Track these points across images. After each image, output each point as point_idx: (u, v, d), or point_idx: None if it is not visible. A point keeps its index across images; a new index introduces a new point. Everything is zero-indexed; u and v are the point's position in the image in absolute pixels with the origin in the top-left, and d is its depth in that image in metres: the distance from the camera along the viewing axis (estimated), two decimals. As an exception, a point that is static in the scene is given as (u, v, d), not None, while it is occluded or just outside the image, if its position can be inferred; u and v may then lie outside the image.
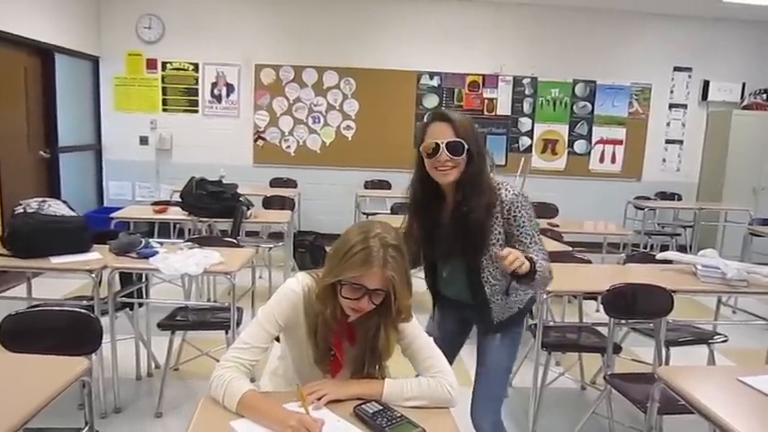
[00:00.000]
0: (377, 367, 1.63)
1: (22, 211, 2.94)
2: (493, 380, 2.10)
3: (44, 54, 6.05)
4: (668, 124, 7.55)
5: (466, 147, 1.81)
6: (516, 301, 2.04)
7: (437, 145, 1.81)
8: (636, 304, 2.74)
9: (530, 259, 1.73)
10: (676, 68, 7.43)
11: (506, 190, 1.89)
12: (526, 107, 7.34)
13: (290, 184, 6.89)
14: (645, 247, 6.69)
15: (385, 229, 1.49)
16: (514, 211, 1.87)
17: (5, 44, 5.31)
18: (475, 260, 1.94)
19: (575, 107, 7.38)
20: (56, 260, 2.91)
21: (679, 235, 6.93)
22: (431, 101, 7.23)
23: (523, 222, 1.88)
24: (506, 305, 2.02)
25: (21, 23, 5.47)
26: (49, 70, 6.13)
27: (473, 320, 2.18)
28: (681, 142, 7.59)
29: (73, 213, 3.10)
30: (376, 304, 1.49)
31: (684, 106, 7.52)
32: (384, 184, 6.99)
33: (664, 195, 7.37)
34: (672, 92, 7.48)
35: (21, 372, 1.68)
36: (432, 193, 1.94)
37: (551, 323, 3.66)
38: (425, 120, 1.93)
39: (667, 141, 7.58)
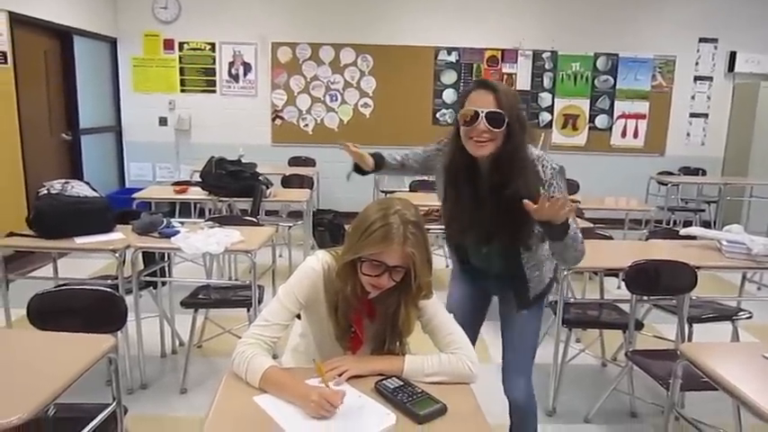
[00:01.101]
0: (397, 344, 1.64)
1: (46, 192, 2.98)
2: (524, 351, 2.10)
3: (63, 37, 6.09)
4: (693, 97, 7.37)
5: (506, 119, 1.70)
6: (547, 272, 2.02)
7: (476, 113, 1.70)
8: (659, 281, 2.71)
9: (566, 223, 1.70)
10: (702, 40, 7.22)
11: (544, 166, 1.80)
12: (546, 82, 7.21)
13: (309, 162, 6.90)
14: (668, 224, 6.60)
15: (405, 205, 1.48)
16: (552, 189, 1.78)
17: (25, 28, 5.35)
18: (515, 246, 1.88)
19: (596, 81, 7.23)
20: (80, 240, 2.95)
21: (703, 211, 6.82)
22: (449, 77, 7.15)
23: (558, 194, 1.79)
24: (540, 278, 1.98)
25: (39, 6, 5.51)
26: (69, 53, 6.18)
27: (498, 292, 2.14)
28: (706, 116, 7.41)
29: (96, 194, 3.14)
30: (396, 281, 1.49)
31: (710, 79, 7.33)
32: (402, 162, 6.95)
33: (688, 170, 7.23)
34: (697, 64, 7.29)
35: (49, 349, 1.72)
36: (465, 163, 1.81)
37: (572, 300, 3.64)
38: (468, 87, 1.82)
39: (692, 115, 7.40)
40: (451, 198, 1.90)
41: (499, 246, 1.92)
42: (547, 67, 7.18)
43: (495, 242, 1.91)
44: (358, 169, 2.31)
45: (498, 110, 1.69)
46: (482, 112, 1.69)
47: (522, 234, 1.84)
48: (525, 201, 1.60)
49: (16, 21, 5.14)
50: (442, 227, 2.05)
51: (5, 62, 5.02)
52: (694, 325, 2.98)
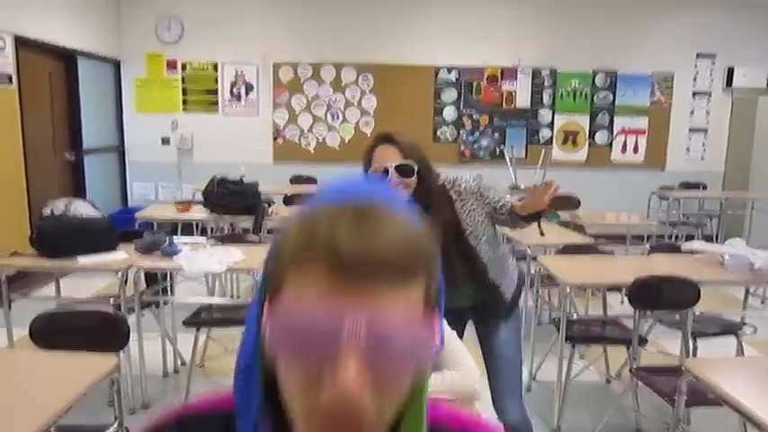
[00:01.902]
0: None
1: (49, 212, 3.00)
2: (510, 372, 2.10)
3: (67, 58, 6.16)
4: (692, 112, 7.41)
5: (415, 168, 1.85)
6: (509, 267, 2.09)
7: (385, 168, 1.83)
8: (661, 296, 2.70)
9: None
10: (699, 55, 7.28)
11: (466, 181, 1.96)
12: (546, 99, 7.26)
13: (311, 181, 6.92)
14: (670, 238, 6.59)
15: None
16: (483, 191, 1.95)
17: (31, 50, 5.42)
18: (466, 261, 1.95)
19: (595, 97, 7.28)
20: (83, 260, 2.96)
21: (705, 225, 6.82)
22: (449, 95, 7.20)
23: (493, 194, 1.98)
24: (509, 277, 2.06)
25: (45, 30, 5.58)
26: (73, 74, 6.24)
27: (473, 317, 2.16)
28: (705, 131, 7.45)
29: (98, 214, 3.16)
30: None
31: (708, 94, 7.38)
32: (403, 180, 6.98)
33: (688, 185, 7.24)
34: (695, 79, 7.34)
35: (51, 370, 1.72)
36: None
37: (575, 316, 3.63)
38: (371, 143, 1.93)
39: (691, 130, 7.44)
40: None
41: (457, 265, 1.95)
42: (546, 84, 7.24)
43: (460, 270, 1.95)
44: None
45: (405, 161, 1.84)
46: (391, 166, 1.83)
47: (460, 235, 1.94)
48: (518, 204, 1.78)
49: (22, 43, 5.21)
50: None
51: (10, 83, 5.07)
52: (699, 340, 2.97)
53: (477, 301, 2.03)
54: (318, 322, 0.50)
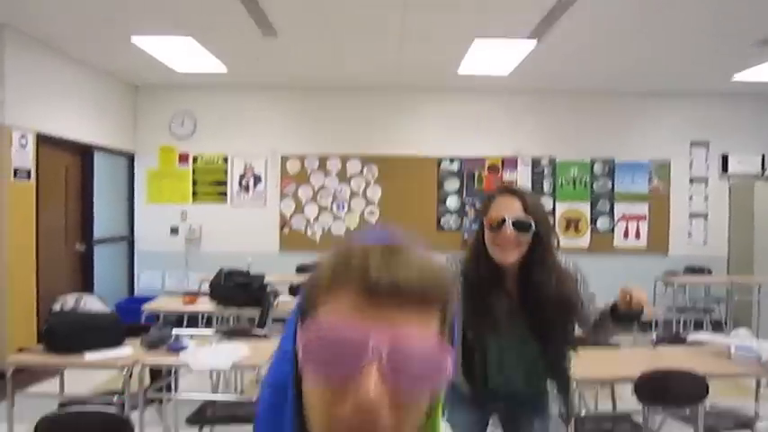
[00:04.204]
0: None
1: (59, 308, 3.05)
2: None
3: (84, 152, 6.42)
4: (690, 198, 7.54)
5: (532, 225, 1.70)
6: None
7: (503, 218, 1.69)
8: (669, 390, 2.67)
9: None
10: (693, 143, 7.51)
11: (567, 264, 1.83)
12: (546, 187, 7.44)
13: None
14: (677, 323, 6.53)
15: None
16: (581, 282, 1.84)
17: (50, 146, 5.67)
18: (557, 346, 1.81)
19: (594, 185, 7.46)
20: (90, 356, 2.97)
21: (713, 311, 6.76)
22: (452, 184, 7.40)
23: (587, 287, 1.88)
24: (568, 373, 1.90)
25: (65, 126, 5.87)
26: (88, 167, 6.49)
27: (509, 411, 2.02)
28: (705, 215, 7.55)
29: (106, 309, 3.21)
30: None
31: (705, 180, 7.54)
32: (408, 267, 7.02)
33: (693, 270, 7.25)
34: (691, 166, 7.53)
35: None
36: (489, 274, 1.76)
37: (584, 411, 3.55)
38: (492, 192, 1.82)
39: (691, 215, 7.54)
40: (476, 311, 1.75)
41: (529, 349, 1.82)
42: (546, 172, 7.44)
43: (522, 341, 1.81)
44: None
45: (525, 216, 1.69)
46: (509, 218, 1.69)
47: (566, 335, 1.81)
48: (623, 292, 1.66)
49: (42, 139, 5.46)
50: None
51: (29, 179, 5.27)
52: (712, 436, 2.90)
53: (516, 394, 1.90)
54: (347, 338, 0.59)
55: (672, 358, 3.00)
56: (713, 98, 7.42)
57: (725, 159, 7.47)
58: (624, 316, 1.74)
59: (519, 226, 1.69)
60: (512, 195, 1.73)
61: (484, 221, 1.76)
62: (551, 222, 1.87)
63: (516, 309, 1.76)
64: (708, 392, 2.66)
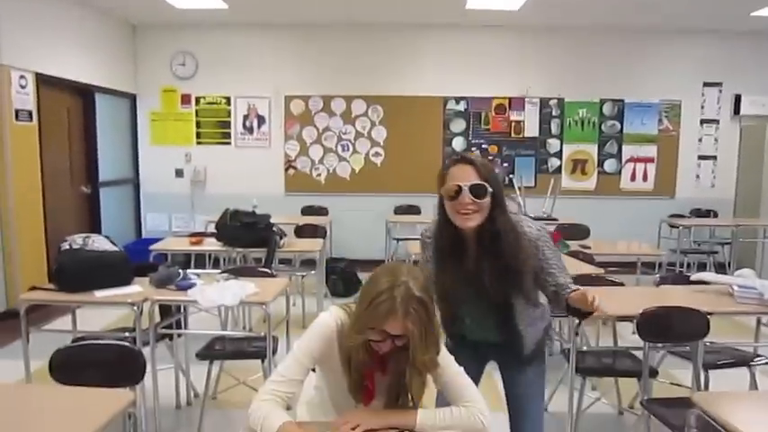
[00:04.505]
0: (410, 396, 1.67)
1: (68, 247, 3.08)
2: (534, 415, 2.07)
3: (85, 94, 6.35)
4: (700, 140, 7.44)
5: (490, 189, 1.78)
6: (539, 329, 2.03)
7: (459, 187, 1.77)
8: (671, 327, 2.71)
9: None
10: (706, 84, 7.34)
11: (529, 226, 1.88)
12: (554, 128, 7.34)
13: (322, 211, 7.00)
14: (681, 266, 6.56)
15: (413, 276, 1.52)
16: (542, 246, 1.87)
17: (50, 87, 5.60)
18: (508, 302, 1.91)
19: (603, 126, 7.34)
20: (100, 294, 3.02)
21: (716, 253, 6.78)
22: (458, 125, 7.30)
23: (550, 255, 1.88)
24: (533, 336, 2.00)
25: (64, 66, 5.78)
26: (90, 109, 6.43)
27: (497, 358, 2.13)
28: (714, 158, 7.46)
29: (115, 248, 3.23)
30: (399, 345, 1.53)
31: (716, 121, 7.41)
32: (414, 210, 7.04)
33: (699, 212, 7.23)
34: (702, 107, 7.39)
35: (69, 405, 1.76)
36: (454, 239, 1.87)
37: (585, 348, 3.62)
38: (446, 163, 1.88)
39: (700, 157, 7.46)
40: (444, 272, 1.90)
41: (490, 306, 1.92)
42: (554, 113, 7.32)
43: (493, 306, 1.92)
44: None
45: (480, 181, 1.78)
46: (465, 185, 1.77)
47: (515, 288, 1.88)
48: (574, 295, 1.72)
49: (42, 80, 5.39)
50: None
51: (31, 120, 5.23)
52: (711, 371, 2.95)
53: (501, 340, 2.00)
54: None
55: (675, 297, 3.02)
56: (728, 36, 7.19)
57: (737, 100, 7.32)
58: (573, 309, 1.80)
59: (475, 191, 1.77)
60: (465, 164, 1.81)
61: (442, 192, 1.83)
62: (501, 184, 1.89)
63: (479, 267, 1.85)
64: (709, 330, 2.69)
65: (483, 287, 1.85)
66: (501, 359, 2.10)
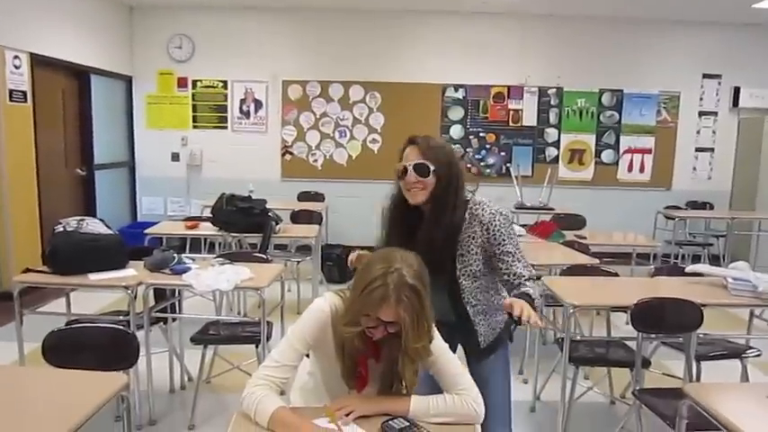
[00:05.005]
0: (403, 383, 1.67)
1: (62, 229, 3.06)
2: (498, 406, 2.05)
3: (80, 76, 6.29)
4: (698, 132, 7.43)
5: (432, 168, 1.87)
6: (498, 322, 2.04)
7: (404, 167, 1.90)
8: (664, 318, 2.72)
9: (528, 296, 1.78)
10: (705, 75, 7.32)
11: (484, 210, 1.91)
12: (552, 117, 7.32)
13: (318, 197, 6.98)
14: (676, 258, 6.59)
15: (407, 263, 1.51)
16: (493, 230, 1.89)
17: (45, 67, 5.54)
18: (450, 278, 1.94)
19: (601, 116, 7.33)
20: (94, 277, 3.01)
21: (711, 245, 6.80)
22: (456, 113, 7.27)
23: (503, 240, 1.90)
24: (489, 326, 2.02)
25: (59, 47, 5.71)
26: (85, 91, 6.37)
27: (461, 341, 2.12)
28: (712, 150, 7.47)
29: (109, 231, 3.21)
30: (392, 332, 1.52)
31: (714, 113, 7.41)
32: (410, 197, 7.02)
33: (695, 204, 7.25)
34: (701, 99, 7.37)
35: (63, 387, 1.76)
36: (408, 213, 1.98)
37: (579, 337, 3.64)
38: (402, 145, 1.99)
39: (697, 149, 7.46)
40: (396, 237, 1.98)
41: (440, 282, 1.91)
42: (552, 102, 7.29)
43: (440, 279, 1.91)
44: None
45: (422, 161, 1.88)
46: (410, 165, 1.89)
47: (447, 261, 1.93)
48: (506, 301, 1.71)
49: (37, 61, 5.33)
50: None
51: (25, 101, 5.19)
52: (704, 362, 2.97)
53: (455, 321, 2.00)
54: None
55: (669, 288, 3.03)
56: (729, 28, 7.16)
57: (736, 93, 7.30)
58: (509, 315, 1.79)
59: (418, 170, 1.88)
60: (412, 145, 1.93)
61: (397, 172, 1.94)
62: (457, 163, 1.97)
63: (428, 238, 1.91)
64: (702, 321, 2.70)
65: (433, 260, 1.79)
66: (464, 343, 2.11)
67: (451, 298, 1.98)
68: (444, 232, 1.90)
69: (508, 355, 2.13)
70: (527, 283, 1.86)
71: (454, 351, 2.08)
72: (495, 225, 1.90)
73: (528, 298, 1.77)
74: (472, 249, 1.92)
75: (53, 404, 1.63)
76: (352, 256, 2.07)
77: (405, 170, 1.90)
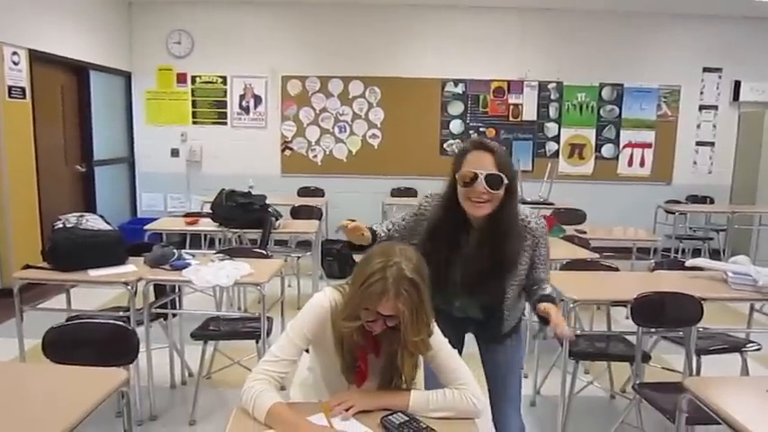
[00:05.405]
0: (403, 378, 1.67)
1: (61, 225, 3.06)
2: (511, 382, 2.11)
3: (79, 72, 6.27)
4: (698, 126, 7.41)
5: (505, 181, 1.75)
6: (520, 309, 2.10)
7: (476, 175, 1.73)
8: (665, 312, 2.72)
9: (552, 299, 1.82)
10: (706, 69, 7.30)
11: (536, 222, 1.89)
12: (552, 112, 7.30)
13: (318, 193, 6.98)
14: (676, 252, 6.59)
15: (406, 256, 1.51)
16: (543, 241, 1.89)
17: (44, 64, 5.52)
18: (502, 288, 1.92)
19: (601, 111, 7.31)
20: (94, 273, 3.01)
21: (711, 239, 6.80)
22: (456, 108, 7.26)
23: (543, 252, 1.91)
24: (513, 316, 2.05)
25: (58, 43, 5.70)
26: (85, 87, 6.35)
27: (475, 331, 2.15)
28: (712, 144, 7.45)
29: (109, 227, 3.21)
30: (391, 326, 1.53)
31: (715, 107, 7.39)
32: (410, 192, 7.02)
33: (695, 199, 7.24)
34: (702, 93, 7.35)
35: (64, 383, 1.76)
36: (456, 222, 1.86)
37: (579, 332, 3.64)
38: (464, 146, 1.84)
39: (698, 143, 7.44)
40: (437, 253, 1.86)
41: (488, 297, 1.95)
42: (552, 97, 7.28)
43: (476, 298, 1.95)
44: (352, 247, 2.02)
45: (497, 172, 1.74)
46: (481, 173, 1.73)
47: (505, 278, 1.90)
48: (544, 307, 1.74)
49: (35, 57, 5.31)
50: None
51: (24, 97, 5.17)
52: (704, 357, 2.97)
53: (483, 319, 2.03)
54: None
55: (669, 282, 3.03)
56: (729, 22, 7.13)
57: (737, 87, 7.28)
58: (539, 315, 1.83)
59: (491, 182, 1.73)
60: (484, 151, 1.76)
61: (456, 177, 1.79)
62: (517, 177, 1.87)
63: (479, 253, 1.84)
64: (702, 315, 2.70)
65: (479, 271, 1.84)
66: (480, 333, 2.13)
67: (489, 305, 1.97)
68: (507, 249, 1.81)
69: (522, 340, 2.15)
70: (545, 286, 1.89)
71: (463, 340, 2.14)
72: (544, 237, 1.88)
73: (552, 301, 1.80)
74: (523, 261, 1.88)
75: (54, 400, 1.63)
76: (348, 222, 1.92)
77: (475, 177, 1.73)
